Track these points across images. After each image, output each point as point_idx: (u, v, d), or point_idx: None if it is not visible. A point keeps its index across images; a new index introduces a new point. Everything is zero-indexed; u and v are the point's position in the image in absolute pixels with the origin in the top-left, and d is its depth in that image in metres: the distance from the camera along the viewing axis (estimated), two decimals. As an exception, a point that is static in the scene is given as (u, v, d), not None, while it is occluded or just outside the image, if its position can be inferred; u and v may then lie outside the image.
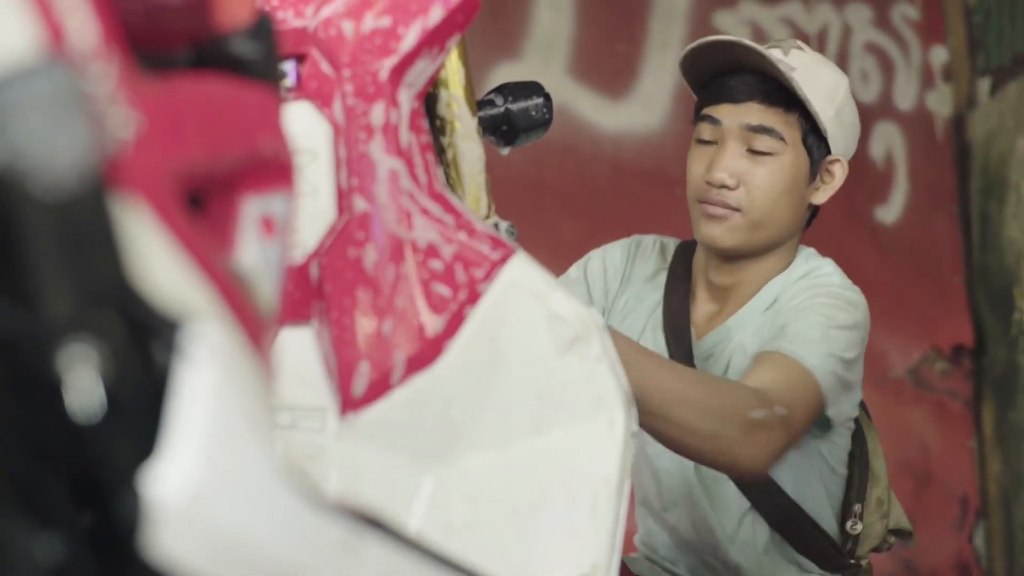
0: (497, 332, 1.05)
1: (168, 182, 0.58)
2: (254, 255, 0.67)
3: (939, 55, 3.56)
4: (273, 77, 0.71)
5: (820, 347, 1.75)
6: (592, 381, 1.05)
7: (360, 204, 1.06)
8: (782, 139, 1.85)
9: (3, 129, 0.49)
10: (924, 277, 3.46)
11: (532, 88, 1.34)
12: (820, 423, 1.84)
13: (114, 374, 0.51)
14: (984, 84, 3.43)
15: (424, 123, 1.09)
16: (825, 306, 1.81)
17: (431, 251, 1.05)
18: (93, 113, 0.52)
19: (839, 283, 1.87)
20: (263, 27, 0.69)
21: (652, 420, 1.53)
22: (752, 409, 1.61)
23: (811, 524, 1.92)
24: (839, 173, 1.91)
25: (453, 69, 1.18)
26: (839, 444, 1.94)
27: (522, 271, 1.06)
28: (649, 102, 3.47)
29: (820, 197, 1.92)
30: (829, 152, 1.89)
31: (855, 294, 1.86)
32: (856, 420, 1.97)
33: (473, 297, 1.05)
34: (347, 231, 1.06)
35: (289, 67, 1.09)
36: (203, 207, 0.65)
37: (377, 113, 1.06)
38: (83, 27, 0.54)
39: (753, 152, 1.86)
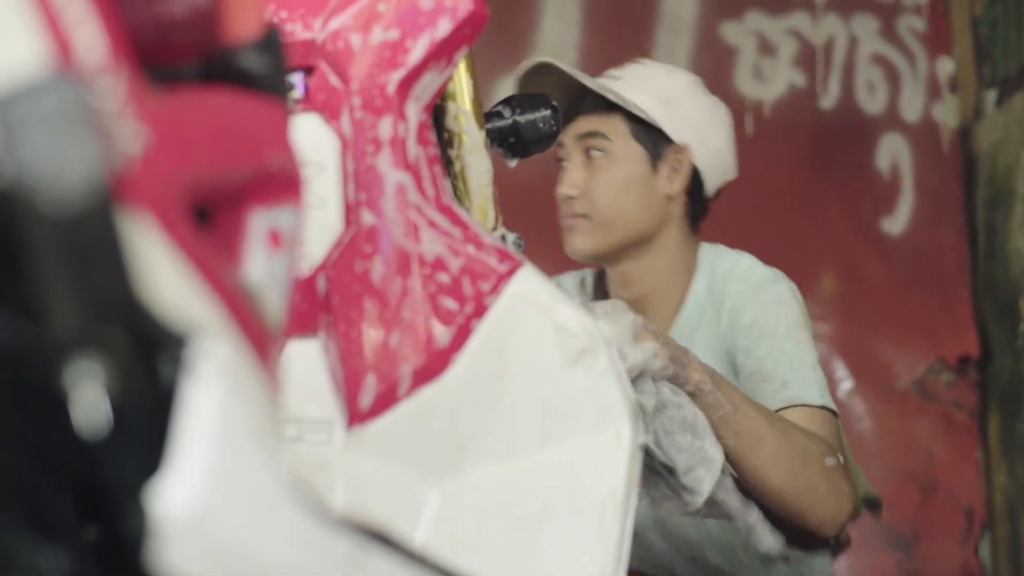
0: (504, 344, 1.05)
1: (176, 196, 0.58)
2: (261, 269, 0.67)
3: (945, 66, 3.55)
4: (281, 90, 0.71)
5: (812, 375, 1.79)
6: (599, 394, 1.05)
7: (367, 217, 1.06)
8: (607, 138, 1.96)
9: (10, 145, 0.49)
10: (930, 288, 3.46)
11: (540, 100, 1.34)
12: None
13: (120, 389, 0.51)
14: (990, 95, 3.43)
15: (432, 136, 1.09)
16: (783, 322, 1.84)
17: (438, 264, 1.05)
18: (101, 128, 0.52)
19: (767, 276, 1.91)
20: (271, 40, 0.69)
21: (742, 459, 1.57)
22: (826, 456, 1.66)
23: None
24: (687, 161, 1.97)
25: (461, 82, 1.19)
26: None
27: (529, 283, 1.06)
28: (655, 113, 3.46)
29: (673, 187, 1.98)
30: (671, 142, 1.96)
31: (785, 283, 1.90)
32: None
33: (480, 310, 1.05)
34: (354, 244, 1.06)
35: (297, 79, 1.09)
36: (210, 221, 0.65)
37: (385, 126, 1.06)
38: (91, 41, 0.54)
39: (589, 159, 1.97)
